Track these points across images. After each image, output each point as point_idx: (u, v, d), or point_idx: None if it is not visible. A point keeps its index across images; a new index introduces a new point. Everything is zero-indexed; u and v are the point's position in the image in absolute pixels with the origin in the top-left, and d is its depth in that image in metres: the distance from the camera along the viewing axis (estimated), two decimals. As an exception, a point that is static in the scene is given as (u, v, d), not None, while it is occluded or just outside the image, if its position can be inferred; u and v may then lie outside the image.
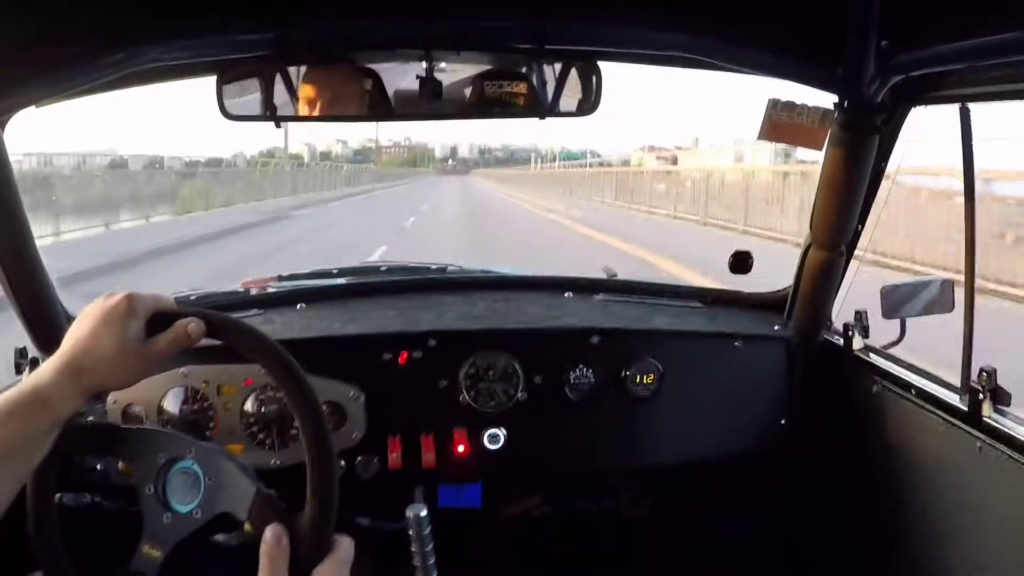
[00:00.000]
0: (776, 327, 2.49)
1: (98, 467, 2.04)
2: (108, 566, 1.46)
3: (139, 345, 1.37)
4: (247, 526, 1.42)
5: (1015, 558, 1.73)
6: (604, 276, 2.93)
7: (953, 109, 1.91)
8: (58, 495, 1.52)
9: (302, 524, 1.38)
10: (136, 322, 1.37)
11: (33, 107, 1.79)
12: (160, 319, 1.41)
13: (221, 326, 1.45)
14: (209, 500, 1.44)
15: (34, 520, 1.48)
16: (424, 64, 1.96)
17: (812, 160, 16.93)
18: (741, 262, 2.61)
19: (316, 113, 1.96)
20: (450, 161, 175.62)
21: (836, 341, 2.42)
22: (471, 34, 1.93)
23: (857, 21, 1.74)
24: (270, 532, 1.32)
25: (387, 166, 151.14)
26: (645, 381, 2.31)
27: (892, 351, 2.30)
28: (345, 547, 1.39)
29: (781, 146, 20.30)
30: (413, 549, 1.88)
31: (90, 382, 1.34)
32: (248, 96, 1.99)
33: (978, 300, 2.02)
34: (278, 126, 2.01)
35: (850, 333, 2.34)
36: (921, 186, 13.13)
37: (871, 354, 2.31)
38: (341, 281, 2.83)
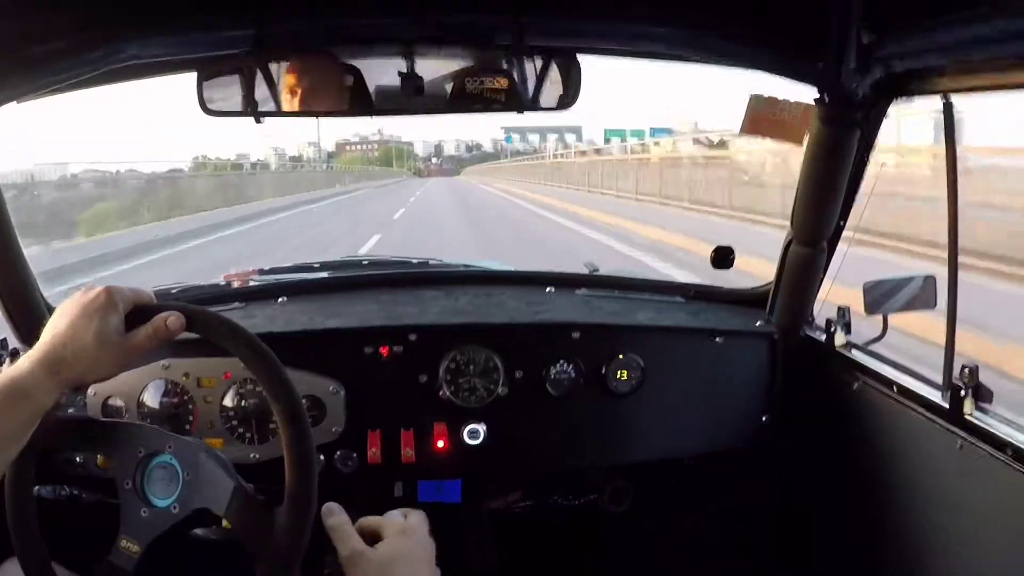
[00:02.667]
0: (758, 323, 2.49)
1: (77, 459, 2.04)
2: (86, 558, 1.47)
3: (118, 338, 1.39)
4: (225, 522, 1.42)
5: (996, 555, 1.73)
6: (586, 271, 2.93)
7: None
8: (36, 487, 1.52)
9: (281, 519, 1.39)
10: (115, 315, 1.38)
11: (15, 103, 1.78)
12: (139, 312, 1.42)
13: (200, 319, 1.46)
14: (187, 495, 1.45)
15: (12, 512, 1.49)
16: (405, 60, 1.96)
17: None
18: (722, 258, 2.61)
19: (297, 108, 1.96)
20: (434, 159, 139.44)
21: (818, 337, 2.42)
22: (452, 31, 1.93)
23: (838, 14, 1.73)
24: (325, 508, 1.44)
25: (352, 164, 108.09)
26: (626, 377, 2.31)
27: (874, 347, 2.30)
28: (414, 518, 1.51)
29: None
30: None
31: (69, 374, 1.35)
32: (229, 92, 1.99)
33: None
34: (259, 121, 2.00)
35: (832, 329, 2.34)
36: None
37: (853, 350, 2.30)
38: (323, 275, 2.83)
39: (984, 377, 1.82)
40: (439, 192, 48.13)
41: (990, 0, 1.36)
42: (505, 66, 2.01)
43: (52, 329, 1.37)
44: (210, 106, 1.94)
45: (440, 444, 2.24)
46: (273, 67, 1.98)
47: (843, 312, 2.33)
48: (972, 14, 1.41)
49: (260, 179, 41.79)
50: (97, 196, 25.29)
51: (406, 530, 1.47)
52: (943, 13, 1.48)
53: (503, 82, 1.96)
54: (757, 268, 3.30)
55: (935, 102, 1.87)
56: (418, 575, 1.43)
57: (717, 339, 2.39)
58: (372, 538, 1.45)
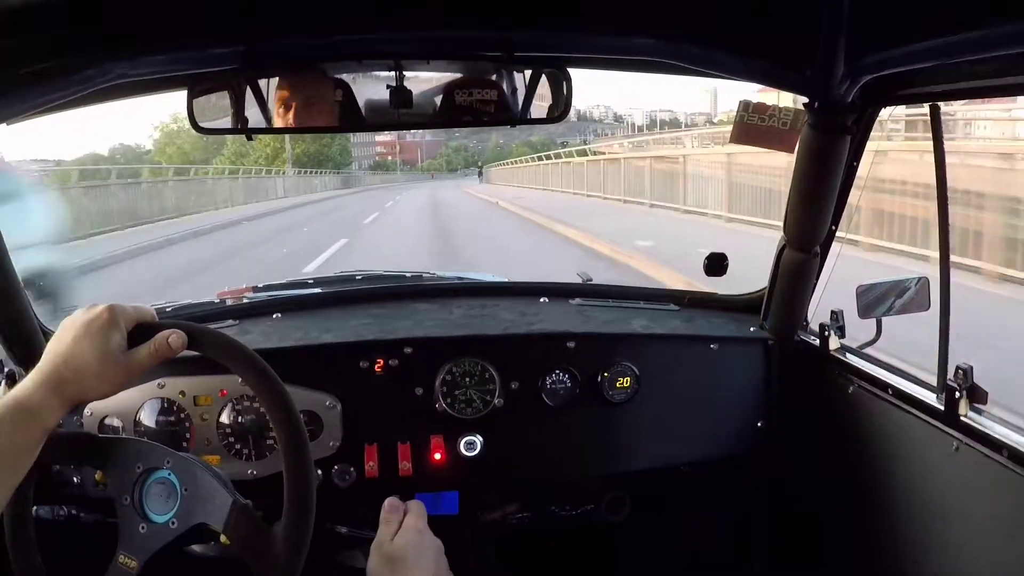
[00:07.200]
0: (752, 329, 2.49)
1: (75, 479, 2.03)
2: None
3: (121, 355, 1.40)
4: (223, 537, 1.42)
5: (993, 557, 1.74)
6: (580, 281, 2.93)
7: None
8: (34, 507, 1.52)
9: (279, 534, 1.39)
10: (118, 333, 1.39)
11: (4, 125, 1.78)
12: (142, 330, 1.43)
13: (202, 338, 1.47)
14: (186, 510, 1.45)
15: (11, 533, 1.49)
16: (394, 74, 1.96)
17: None
18: (716, 264, 2.61)
19: (286, 124, 1.96)
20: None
21: (812, 342, 2.42)
22: (440, 44, 1.93)
23: (826, 22, 1.73)
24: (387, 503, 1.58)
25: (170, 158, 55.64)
26: (621, 385, 2.31)
27: (868, 350, 2.30)
28: (415, 509, 1.60)
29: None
30: None
31: (73, 392, 1.36)
32: (219, 109, 1.99)
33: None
34: (250, 138, 2.02)
35: (826, 333, 2.34)
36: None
37: (847, 354, 2.31)
38: (317, 290, 2.82)
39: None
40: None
41: (977, 6, 1.36)
42: (494, 78, 2.01)
43: (55, 347, 1.37)
44: (201, 123, 1.95)
45: (437, 456, 2.24)
46: (263, 83, 1.99)
47: (836, 316, 2.34)
48: (959, 20, 1.41)
49: None
50: None
51: (420, 531, 1.55)
52: (930, 20, 1.48)
53: (492, 94, 1.96)
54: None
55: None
56: (426, 570, 1.50)
57: (712, 346, 2.40)
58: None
